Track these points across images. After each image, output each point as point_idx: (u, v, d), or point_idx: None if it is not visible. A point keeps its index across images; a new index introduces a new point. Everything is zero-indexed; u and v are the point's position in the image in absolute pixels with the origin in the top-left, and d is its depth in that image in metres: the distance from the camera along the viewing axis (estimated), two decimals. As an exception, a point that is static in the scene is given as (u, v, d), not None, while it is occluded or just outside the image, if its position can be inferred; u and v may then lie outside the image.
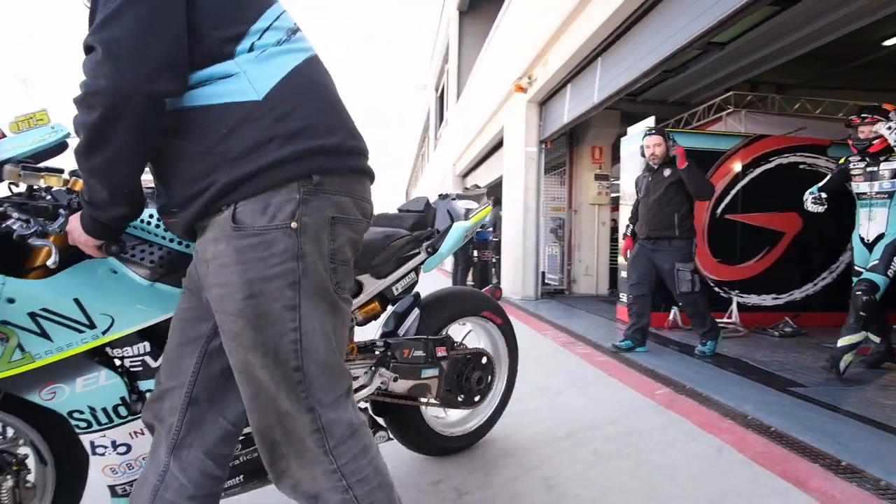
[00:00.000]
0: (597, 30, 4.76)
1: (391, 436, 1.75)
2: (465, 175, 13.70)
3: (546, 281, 7.75)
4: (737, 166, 5.13)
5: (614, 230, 7.81)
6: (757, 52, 5.64)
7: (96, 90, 0.80)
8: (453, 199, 2.01)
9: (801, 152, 5.24)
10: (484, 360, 1.91)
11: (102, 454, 1.18)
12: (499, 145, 9.51)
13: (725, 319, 4.80)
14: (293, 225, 0.88)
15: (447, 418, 2.06)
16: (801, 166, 5.21)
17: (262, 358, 0.90)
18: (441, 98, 19.11)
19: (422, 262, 1.77)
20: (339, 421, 0.94)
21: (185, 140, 0.90)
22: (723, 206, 5.12)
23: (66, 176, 1.12)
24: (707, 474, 1.84)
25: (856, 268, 3.32)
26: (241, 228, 0.87)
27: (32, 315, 1.05)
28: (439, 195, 2.08)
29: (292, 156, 0.88)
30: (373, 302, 1.70)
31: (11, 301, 1.02)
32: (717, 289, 5.05)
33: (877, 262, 3.05)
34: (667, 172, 3.70)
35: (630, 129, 5.57)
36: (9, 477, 1.15)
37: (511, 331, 2.11)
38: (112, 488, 1.22)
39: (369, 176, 1.02)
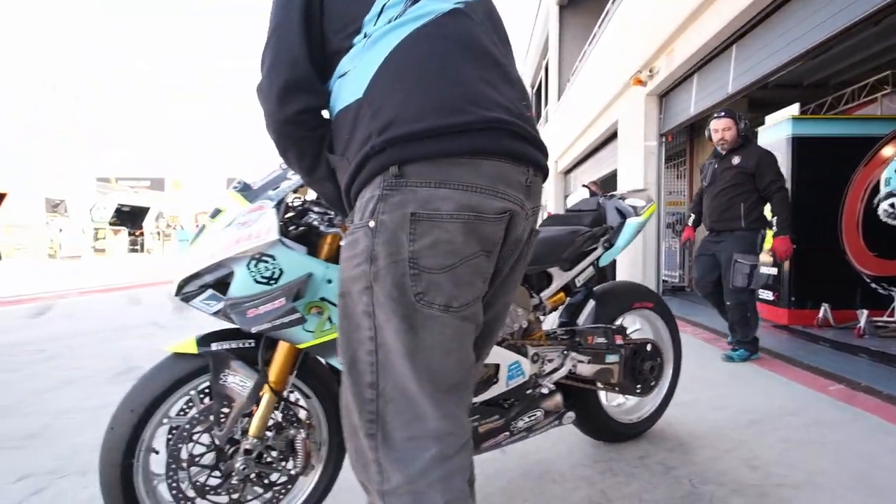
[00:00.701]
0: (737, 16, 4.62)
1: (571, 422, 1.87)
2: (568, 172, 13.58)
3: (663, 278, 7.56)
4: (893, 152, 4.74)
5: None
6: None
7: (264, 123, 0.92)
8: (619, 198, 2.17)
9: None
10: (651, 347, 2.05)
11: None
12: (607, 141, 9.38)
13: (886, 318, 4.47)
14: (371, 224, 0.79)
15: (624, 405, 2.22)
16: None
17: (346, 363, 0.86)
18: (538, 93, 18.99)
19: (599, 257, 1.96)
20: (400, 466, 0.79)
21: (333, 152, 0.93)
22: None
23: None
24: (916, 466, 1.85)
25: None
26: (349, 228, 0.87)
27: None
28: (605, 195, 2.24)
29: (375, 149, 0.80)
30: (559, 292, 1.91)
31: (329, 282, 1.24)
32: (874, 285, 4.71)
33: None
34: (735, 160, 3.42)
35: (769, 118, 5.33)
36: (302, 430, 1.34)
37: (671, 318, 2.23)
38: None
39: (490, 154, 0.80)
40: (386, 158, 0.78)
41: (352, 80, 0.86)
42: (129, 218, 23.42)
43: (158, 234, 25.20)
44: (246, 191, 1.29)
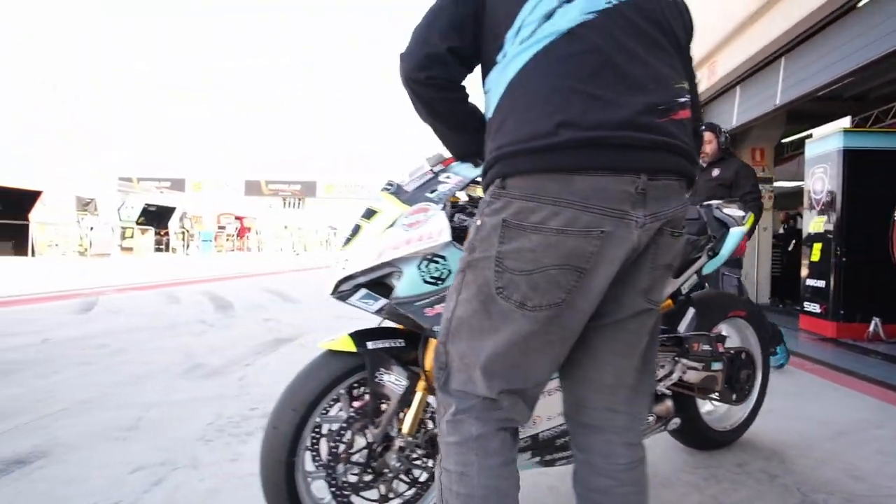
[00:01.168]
0: (786, 31, 4.64)
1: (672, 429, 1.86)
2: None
3: (697, 287, 7.53)
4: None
5: (779, 237, 7.42)
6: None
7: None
8: (717, 207, 2.19)
9: None
10: (746, 356, 2.06)
11: None
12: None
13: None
14: (478, 222, 0.94)
15: (714, 413, 2.24)
16: None
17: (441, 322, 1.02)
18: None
19: (703, 265, 1.98)
20: (449, 407, 0.96)
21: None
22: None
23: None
24: None
25: None
26: None
27: None
28: (702, 204, 2.26)
29: (490, 163, 0.93)
30: (667, 299, 1.94)
31: None
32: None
33: None
34: (715, 172, 3.55)
35: (817, 131, 5.33)
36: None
37: (762, 327, 2.23)
38: None
39: (584, 169, 0.84)
40: (495, 171, 0.91)
41: (490, 98, 0.97)
42: (156, 217, 23.82)
43: (183, 233, 25.55)
44: (399, 193, 1.33)
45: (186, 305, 6.50)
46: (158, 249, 23.08)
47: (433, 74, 0.98)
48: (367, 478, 1.31)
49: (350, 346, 1.30)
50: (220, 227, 26.08)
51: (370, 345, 1.31)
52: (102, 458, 1.94)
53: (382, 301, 1.27)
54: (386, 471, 1.30)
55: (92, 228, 18.32)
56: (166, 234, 24.29)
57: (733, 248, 1.98)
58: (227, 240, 26.09)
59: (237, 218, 28.11)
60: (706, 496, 1.71)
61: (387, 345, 1.33)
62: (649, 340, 1.03)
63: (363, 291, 1.27)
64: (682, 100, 0.93)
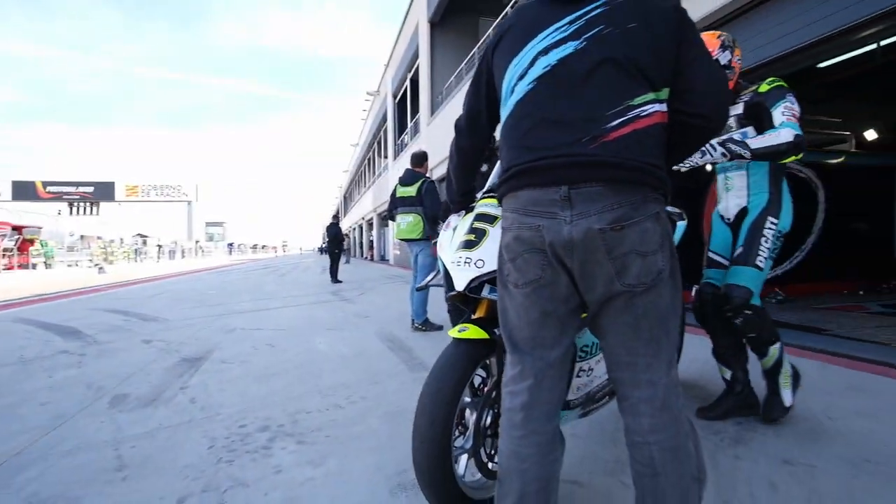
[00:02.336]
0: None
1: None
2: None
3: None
4: None
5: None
6: None
7: None
8: None
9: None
10: None
11: (579, 377, 1.80)
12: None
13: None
14: (500, 230, 1.28)
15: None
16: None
17: None
18: (401, 104, 19.63)
19: None
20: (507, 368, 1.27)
21: None
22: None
23: None
24: None
25: (710, 255, 2.49)
26: None
27: None
28: None
29: (495, 185, 1.34)
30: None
31: None
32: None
33: (742, 248, 2.24)
34: None
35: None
36: None
37: None
38: (567, 402, 1.86)
39: (523, 187, 1.16)
40: (498, 192, 1.27)
41: (498, 128, 1.33)
42: None
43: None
44: None
45: (17, 337, 5.33)
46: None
47: (462, 145, 1.52)
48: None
49: (482, 334, 1.47)
50: (-10, 241, 20.80)
51: (496, 331, 1.49)
52: (122, 498, 1.73)
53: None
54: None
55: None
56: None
57: (679, 238, 2.56)
58: (3, 256, 20.98)
59: (15, 228, 22.71)
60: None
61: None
62: (656, 316, 1.15)
63: (488, 286, 1.49)
64: (625, 118, 1.10)
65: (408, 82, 18.22)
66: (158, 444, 2.21)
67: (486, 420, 1.51)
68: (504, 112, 1.24)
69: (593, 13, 1.14)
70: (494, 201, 1.57)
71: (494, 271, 1.44)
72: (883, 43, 5.47)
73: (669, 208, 2.60)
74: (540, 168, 1.13)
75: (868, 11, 3.83)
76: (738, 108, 2.27)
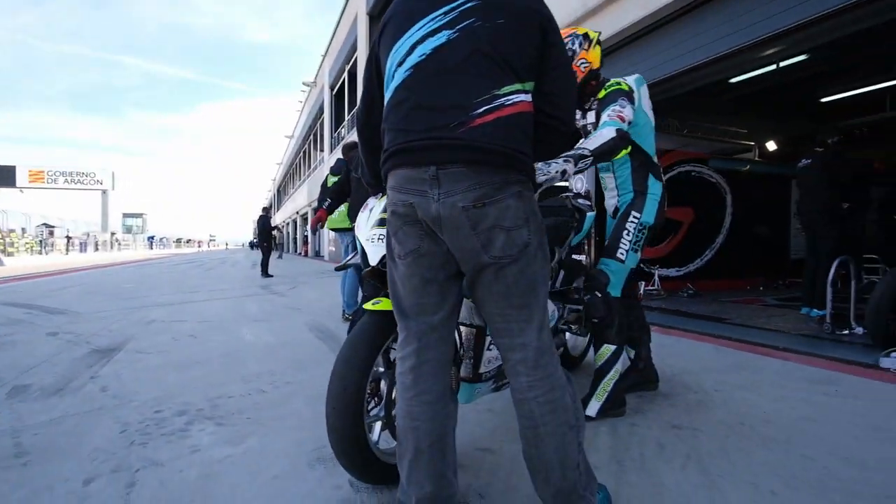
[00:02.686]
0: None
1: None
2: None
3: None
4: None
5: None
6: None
7: None
8: (573, 197, 2.96)
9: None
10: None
11: (490, 350, 1.98)
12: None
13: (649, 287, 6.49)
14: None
15: (571, 342, 3.07)
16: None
17: None
18: (339, 96, 19.29)
19: (571, 238, 2.76)
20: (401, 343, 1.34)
21: None
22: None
23: None
24: None
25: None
26: None
27: None
28: (564, 196, 3.00)
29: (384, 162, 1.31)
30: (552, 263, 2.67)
31: None
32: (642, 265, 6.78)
33: (607, 242, 2.41)
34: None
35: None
36: None
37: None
38: (479, 375, 2.02)
39: (399, 166, 1.23)
40: (382, 170, 1.32)
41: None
42: None
43: None
44: None
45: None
46: None
47: (360, 126, 1.56)
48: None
49: (389, 306, 1.54)
50: None
51: None
52: (21, 482, 1.65)
53: None
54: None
55: None
56: None
57: (589, 228, 2.79)
58: None
59: None
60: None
61: None
62: (525, 285, 1.25)
63: None
64: (490, 106, 1.19)
65: (346, 74, 17.94)
66: (64, 429, 2.10)
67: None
68: (387, 96, 1.31)
69: (466, 5, 1.23)
70: None
71: None
72: (782, 64, 6.11)
73: (581, 200, 2.83)
74: (412, 149, 1.21)
75: (761, 32, 4.30)
76: (591, 117, 2.39)
